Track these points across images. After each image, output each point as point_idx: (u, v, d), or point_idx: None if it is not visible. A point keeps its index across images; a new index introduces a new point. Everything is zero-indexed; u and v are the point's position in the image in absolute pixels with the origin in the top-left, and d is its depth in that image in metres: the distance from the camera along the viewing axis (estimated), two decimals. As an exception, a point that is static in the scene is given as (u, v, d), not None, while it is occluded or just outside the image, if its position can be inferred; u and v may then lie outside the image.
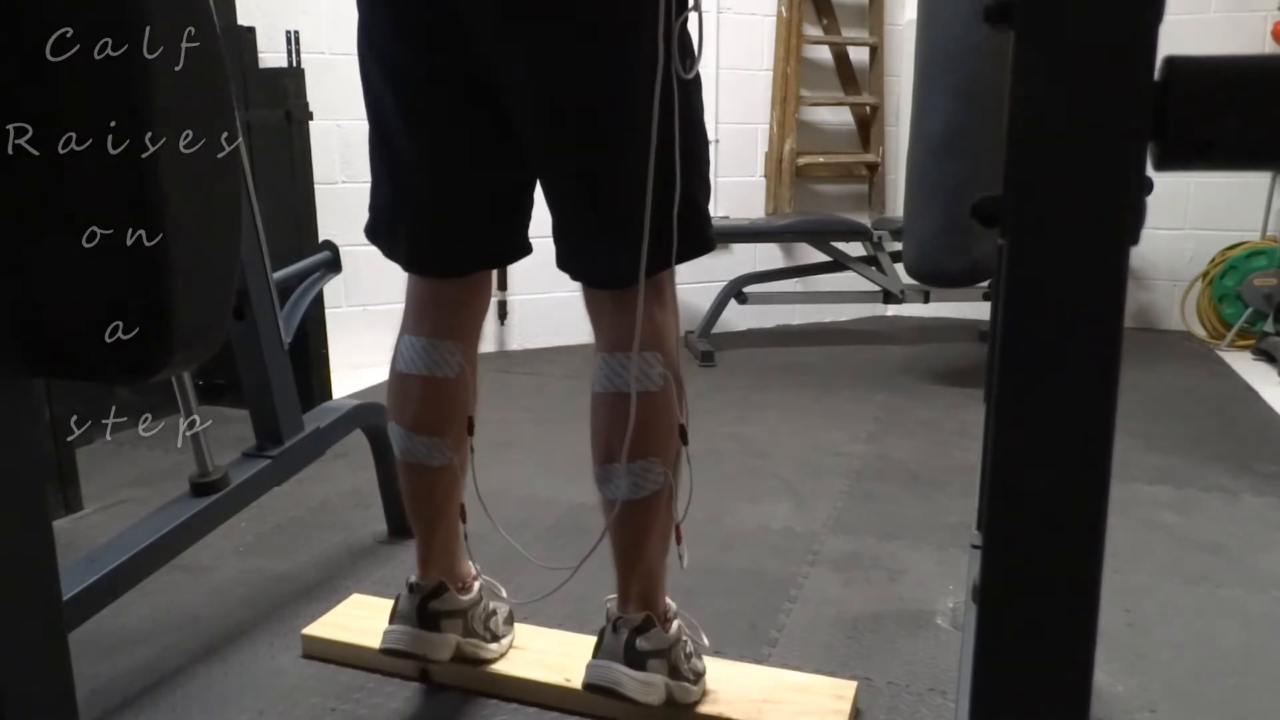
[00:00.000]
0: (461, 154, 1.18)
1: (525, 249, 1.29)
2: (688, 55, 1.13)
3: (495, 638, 1.45)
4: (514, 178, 1.22)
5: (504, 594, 1.51)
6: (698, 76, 1.17)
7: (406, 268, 1.28)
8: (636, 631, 1.23)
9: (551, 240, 1.22)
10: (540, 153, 1.15)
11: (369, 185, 1.27)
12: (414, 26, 1.10)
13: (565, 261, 1.20)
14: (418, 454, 1.31)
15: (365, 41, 1.16)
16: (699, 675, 1.35)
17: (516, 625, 1.52)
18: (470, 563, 1.45)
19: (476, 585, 1.43)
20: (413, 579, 1.36)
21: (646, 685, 1.22)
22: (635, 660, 1.22)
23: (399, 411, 1.31)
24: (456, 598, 1.36)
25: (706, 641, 1.41)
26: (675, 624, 1.31)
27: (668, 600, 1.32)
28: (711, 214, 1.25)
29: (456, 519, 1.39)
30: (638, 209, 1.11)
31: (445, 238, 1.24)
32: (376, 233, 1.27)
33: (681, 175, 1.12)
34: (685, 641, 1.34)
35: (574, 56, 1.07)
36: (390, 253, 1.27)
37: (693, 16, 1.12)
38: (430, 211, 1.21)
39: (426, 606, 1.32)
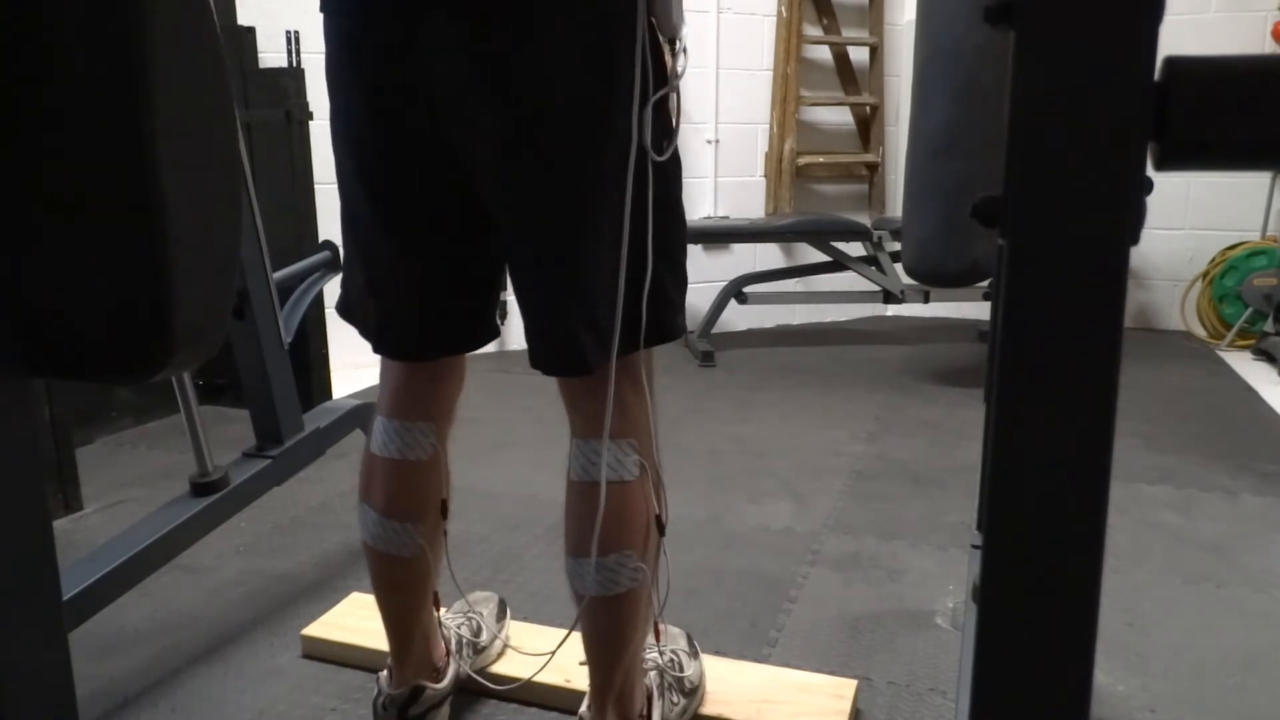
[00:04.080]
0: (428, 237, 1.14)
1: (493, 333, 1.25)
2: (664, 136, 1.07)
3: (484, 648, 1.45)
4: (480, 262, 1.18)
5: (485, 615, 1.49)
6: (676, 158, 1.12)
7: (376, 349, 1.24)
8: None
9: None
10: (508, 235, 1.11)
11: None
12: (383, 108, 1.07)
13: (535, 353, 1.15)
14: (388, 542, 1.26)
15: (336, 124, 1.13)
16: (696, 685, 1.34)
17: (516, 625, 1.52)
18: (441, 639, 1.40)
19: (451, 668, 1.37)
20: (384, 686, 1.30)
21: None
22: None
23: (370, 493, 1.28)
24: (434, 690, 1.31)
25: (698, 648, 1.41)
26: (657, 708, 1.27)
27: (646, 685, 1.28)
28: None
29: (431, 611, 1.33)
30: (606, 293, 1.07)
31: (410, 321, 1.20)
32: (350, 312, 1.24)
33: (654, 261, 1.08)
34: (674, 661, 1.33)
35: (544, 137, 1.02)
36: (364, 333, 1.24)
37: (671, 96, 1.07)
38: (396, 295, 1.18)
39: (406, 715, 1.29)
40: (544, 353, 1.14)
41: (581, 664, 1.21)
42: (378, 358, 1.25)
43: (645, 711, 1.25)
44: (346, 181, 1.15)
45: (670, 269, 1.14)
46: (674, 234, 1.14)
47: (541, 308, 1.12)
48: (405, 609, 1.30)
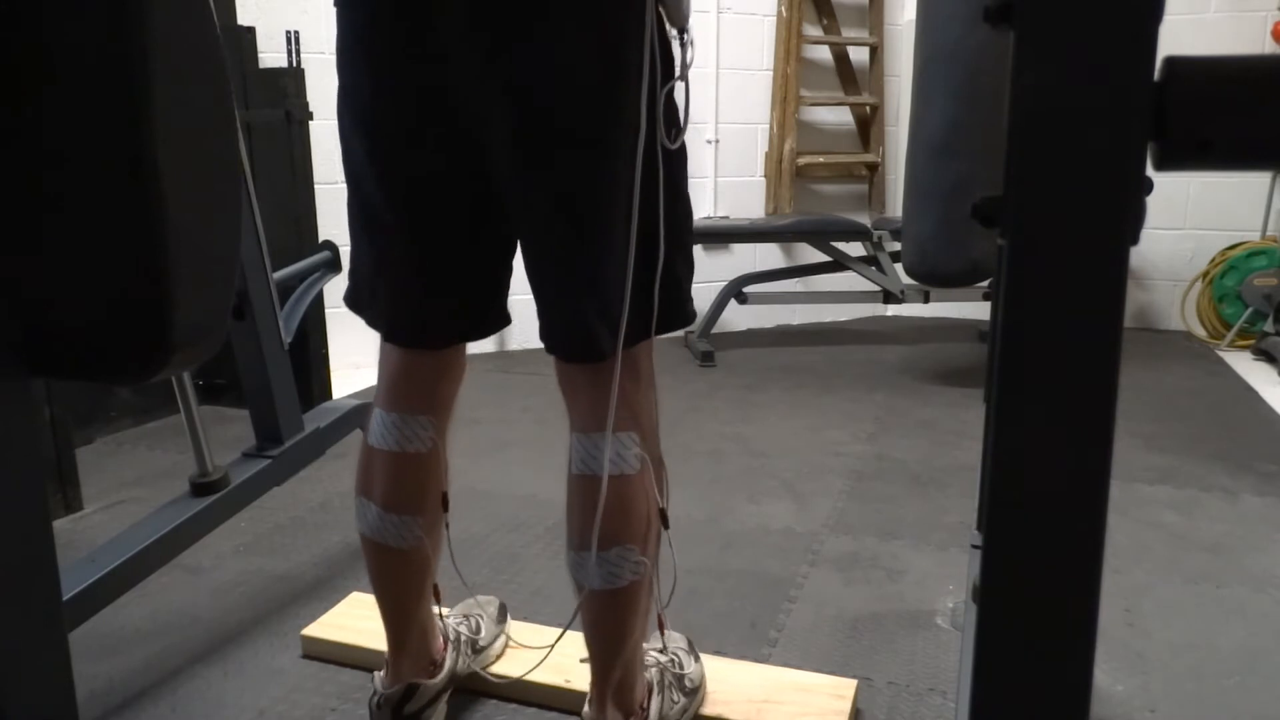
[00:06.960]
0: (442, 221, 1.14)
1: (505, 319, 1.26)
2: (673, 125, 1.09)
3: (483, 647, 1.44)
4: (496, 245, 1.18)
5: (485, 617, 1.49)
6: (683, 147, 1.13)
7: (387, 338, 1.23)
8: None
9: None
10: (521, 218, 1.11)
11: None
12: (396, 90, 1.07)
13: (549, 339, 1.17)
14: (386, 535, 1.26)
15: (345, 106, 1.13)
16: (696, 685, 1.34)
17: (516, 624, 1.52)
18: (439, 633, 1.39)
19: (449, 661, 1.36)
20: (379, 686, 1.29)
21: None
22: None
23: (368, 487, 1.27)
24: (429, 687, 1.30)
25: (699, 654, 1.41)
26: (655, 702, 1.27)
27: (646, 679, 1.28)
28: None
29: (429, 605, 1.33)
30: (617, 280, 1.07)
31: (427, 308, 1.19)
32: (358, 302, 1.23)
33: (664, 247, 1.09)
34: (674, 660, 1.33)
35: (554, 127, 1.03)
36: (372, 321, 1.23)
37: (679, 85, 1.08)
38: (412, 280, 1.17)
39: (401, 713, 1.28)
40: (557, 338, 1.16)
41: (583, 660, 1.21)
42: (377, 358, 1.25)
43: (644, 704, 1.26)
44: (355, 163, 1.15)
45: (681, 255, 1.16)
46: (683, 221, 1.16)
47: (555, 295, 1.14)
48: (403, 601, 1.30)
